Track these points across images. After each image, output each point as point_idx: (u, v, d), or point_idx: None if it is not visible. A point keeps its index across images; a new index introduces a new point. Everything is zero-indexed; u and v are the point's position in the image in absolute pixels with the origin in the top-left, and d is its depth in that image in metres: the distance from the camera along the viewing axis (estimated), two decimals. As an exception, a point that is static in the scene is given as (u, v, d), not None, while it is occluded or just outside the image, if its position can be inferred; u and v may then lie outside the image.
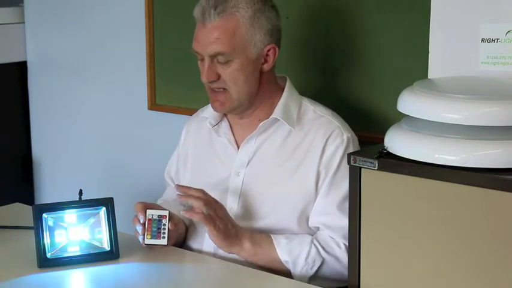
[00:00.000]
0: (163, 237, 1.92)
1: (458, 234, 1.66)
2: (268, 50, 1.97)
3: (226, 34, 1.92)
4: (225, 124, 2.09)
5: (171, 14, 2.66)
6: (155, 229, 1.92)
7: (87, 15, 2.97)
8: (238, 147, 2.06)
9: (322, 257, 1.94)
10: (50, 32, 3.12)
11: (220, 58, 1.93)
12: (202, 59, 1.97)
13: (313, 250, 1.94)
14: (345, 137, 1.98)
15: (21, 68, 3.21)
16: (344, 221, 1.91)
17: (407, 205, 1.72)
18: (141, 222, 1.92)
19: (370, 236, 1.79)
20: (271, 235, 1.96)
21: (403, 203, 1.73)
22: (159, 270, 1.89)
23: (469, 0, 1.89)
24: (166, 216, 1.93)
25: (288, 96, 2.03)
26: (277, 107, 2.01)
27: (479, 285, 1.65)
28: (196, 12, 1.95)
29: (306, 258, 1.93)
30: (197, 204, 1.88)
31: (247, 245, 1.93)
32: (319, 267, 1.94)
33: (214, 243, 1.92)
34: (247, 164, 2.03)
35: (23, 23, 3.19)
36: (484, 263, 1.63)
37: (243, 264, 1.92)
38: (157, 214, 1.93)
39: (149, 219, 1.92)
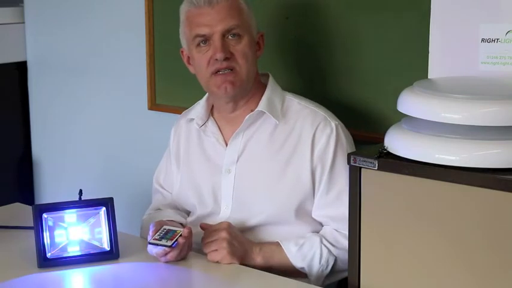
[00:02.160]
0: (169, 241, 1.88)
1: (458, 234, 1.66)
2: (259, 37, 2.07)
3: (236, 11, 1.99)
4: (211, 123, 2.09)
5: (171, 14, 2.66)
6: (164, 235, 1.89)
7: (87, 15, 2.97)
8: (226, 145, 2.06)
9: (335, 255, 1.95)
10: (50, 32, 3.12)
11: (233, 33, 1.98)
12: (199, 44, 1.99)
13: (325, 250, 1.95)
14: (333, 124, 1.99)
15: (21, 68, 3.21)
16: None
17: (407, 205, 1.72)
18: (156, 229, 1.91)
19: (370, 236, 1.79)
20: (281, 243, 1.96)
21: (403, 203, 1.73)
22: (159, 270, 1.89)
23: (469, 0, 1.89)
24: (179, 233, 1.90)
25: (271, 91, 2.06)
26: (261, 100, 2.03)
27: (479, 284, 1.65)
28: (198, 0, 1.98)
29: (320, 260, 1.94)
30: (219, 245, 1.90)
31: (259, 260, 1.94)
32: (334, 264, 1.95)
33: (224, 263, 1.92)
34: (237, 161, 2.04)
35: (23, 23, 3.19)
36: (484, 263, 1.63)
37: (243, 264, 1.92)
38: (174, 230, 1.91)
39: (167, 230, 1.90)
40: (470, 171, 1.62)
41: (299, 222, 1.99)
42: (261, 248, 1.95)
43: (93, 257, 1.92)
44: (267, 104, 2.03)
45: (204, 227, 1.97)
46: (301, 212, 1.99)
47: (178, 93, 2.69)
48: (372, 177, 1.76)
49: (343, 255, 1.94)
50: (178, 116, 2.65)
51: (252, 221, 2.01)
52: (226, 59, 1.97)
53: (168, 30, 2.68)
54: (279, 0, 2.32)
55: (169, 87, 2.72)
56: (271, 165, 2.01)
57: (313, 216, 2.00)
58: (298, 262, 1.94)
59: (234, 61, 1.99)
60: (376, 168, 1.74)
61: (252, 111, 2.03)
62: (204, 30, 1.98)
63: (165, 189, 2.22)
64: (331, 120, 2.01)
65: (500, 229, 1.61)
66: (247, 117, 2.02)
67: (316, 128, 1.99)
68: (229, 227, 1.93)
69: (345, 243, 1.92)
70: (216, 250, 1.90)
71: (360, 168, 1.77)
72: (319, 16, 2.29)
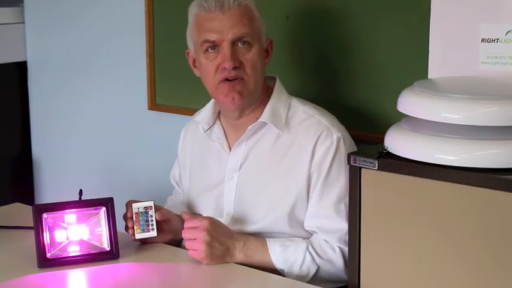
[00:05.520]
0: (153, 229, 1.95)
1: (458, 234, 1.66)
2: (268, 44, 2.03)
3: (247, 18, 1.95)
4: (218, 128, 2.08)
5: (171, 14, 2.66)
6: (143, 222, 1.94)
7: (87, 15, 2.97)
8: (230, 151, 2.05)
9: (317, 264, 1.92)
10: (50, 32, 3.12)
11: (243, 41, 1.94)
12: (207, 50, 1.95)
13: (308, 258, 1.92)
14: (334, 137, 1.95)
15: (21, 68, 3.21)
16: (339, 224, 1.91)
17: (407, 205, 1.72)
18: (128, 216, 1.96)
19: (370, 236, 1.79)
20: (267, 240, 1.94)
21: (403, 203, 1.73)
22: (159, 270, 1.89)
23: (469, 0, 1.90)
24: (152, 207, 1.95)
25: (276, 98, 2.02)
26: (265, 110, 2.00)
27: (479, 284, 1.65)
28: (209, 4, 1.94)
29: (301, 266, 1.92)
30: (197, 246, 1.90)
31: (241, 256, 1.92)
32: (315, 274, 1.92)
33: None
34: (240, 168, 2.03)
35: (23, 23, 3.19)
36: (484, 263, 1.64)
37: (243, 264, 1.92)
38: (143, 206, 1.95)
39: (136, 213, 1.95)
40: (470, 171, 1.62)
41: (293, 232, 1.97)
42: (245, 243, 1.93)
43: (93, 257, 1.92)
44: (271, 113, 1.99)
45: (185, 218, 1.95)
46: (294, 222, 1.97)
47: (178, 93, 2.69)
48: (372, 177, 1.76)
49: (326, 266, 1.92)
50: (178, 116, 2.66)
51: (249, 228, 1.99)
52: (234, 68, 1.93)
53: (168, 30, 2.68)
54: (279, 0, 2.32)
55: (169, 87, 2.72)
56: (272, 174, 1.99)
57: (304, 226, 1.98)
58: (279, 263, 1.92)
59: (243, 70, 1.95)
60: (376, 168, 1.74)
61: (257, 119, 2.00)
62: (214, 37, 1.94)
63: (179, 188, 2.24)
64: (334, 132, 1.96)
65: (500, 229, 1.61)
66: (249, 127, 2.00)
67: (318, 139, 1.95)
68: (210, 226, 1.89)
69: (330, 253, 1.92)
70: (196, 250, 1.89)
71: (360, 168, 1.77)
72: (319, 16, 2.29)
